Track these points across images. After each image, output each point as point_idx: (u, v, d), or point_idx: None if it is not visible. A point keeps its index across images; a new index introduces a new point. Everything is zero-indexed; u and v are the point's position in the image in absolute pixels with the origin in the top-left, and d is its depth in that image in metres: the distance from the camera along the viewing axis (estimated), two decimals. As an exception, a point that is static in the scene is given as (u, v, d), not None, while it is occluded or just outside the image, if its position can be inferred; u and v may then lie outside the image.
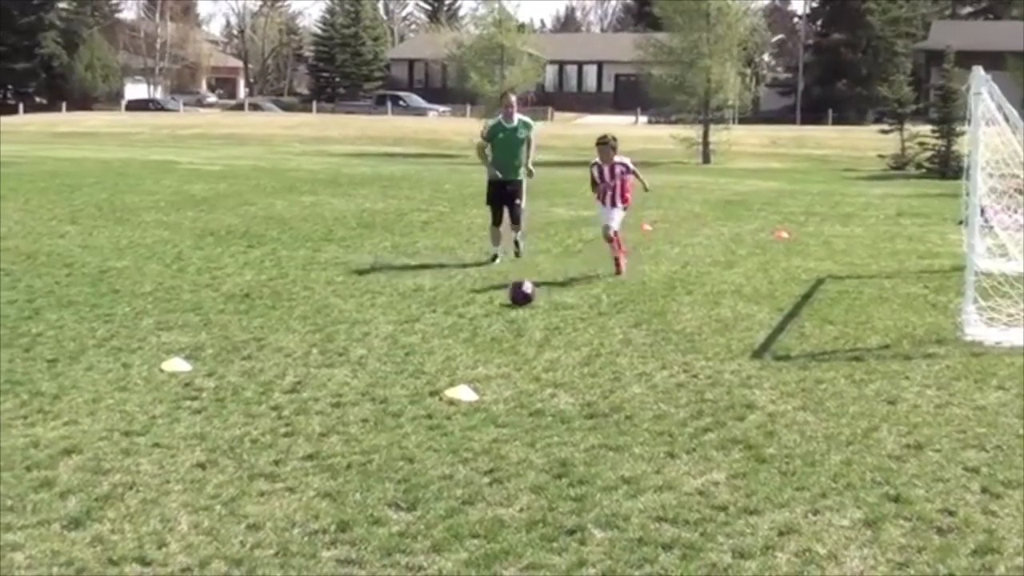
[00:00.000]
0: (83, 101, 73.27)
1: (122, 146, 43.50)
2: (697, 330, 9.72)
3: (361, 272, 12.48)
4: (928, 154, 35.19)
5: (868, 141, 40.94)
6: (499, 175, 13.51)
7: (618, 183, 12.62)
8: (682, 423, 6.98)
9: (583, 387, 7.82)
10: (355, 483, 5.82)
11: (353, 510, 5.45)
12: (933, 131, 35.31)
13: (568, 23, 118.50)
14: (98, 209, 18.47)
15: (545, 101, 64.31)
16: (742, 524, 5.35)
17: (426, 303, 10.75)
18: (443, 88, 72.87)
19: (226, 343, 8.94)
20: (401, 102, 71.64)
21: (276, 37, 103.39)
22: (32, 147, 39.46)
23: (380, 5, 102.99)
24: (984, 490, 5.84)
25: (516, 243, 13.56)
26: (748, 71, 48.18)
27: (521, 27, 49.65)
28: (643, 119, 62.36)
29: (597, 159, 12.73)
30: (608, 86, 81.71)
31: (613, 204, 12.63)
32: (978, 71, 9.94)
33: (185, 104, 76.75)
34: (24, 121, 59.47)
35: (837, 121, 59.96)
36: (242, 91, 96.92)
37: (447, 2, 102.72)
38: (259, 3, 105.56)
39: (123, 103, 75.13)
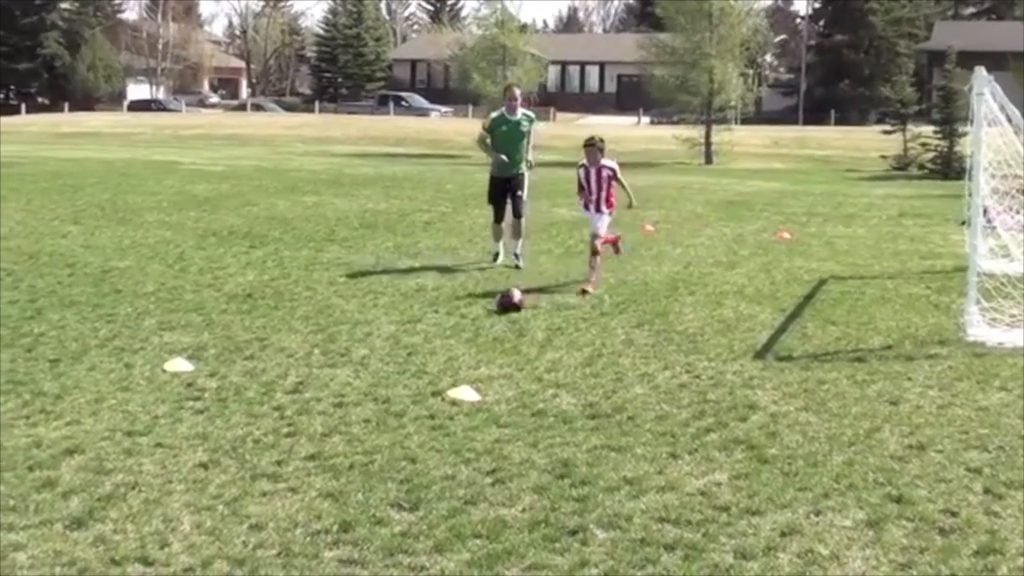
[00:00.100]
0: (85, 101, 73.35)
1: (124, 146, 43.52)
2: (699, 331, 9.72)
3: (363, 272, 12.49)
4: (930, 155, 35.17)
5: (870, 142, 40.94)
6: (504, 161, 13.11)
7: (604, 188, 11.94)
8: (684, 423, 6.98)
9: (585, 387, 7.82)
10: (357, 483, 5.82)
11: (355, 510, 5.46)
12: (935, 132, 35.29)
13: (570, 23, 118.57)
14: (100, 209, 18.48)
15: (547, 102, 64.34)
16: (744, 525, 5.35)
17: (428, 303, 10.75)
18: (445, 89, 72.95)
19: (228, 343, 8.95)
20: (403, 102, 71.72)
21: (278, 37, 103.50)
22: (34, 147, 39.50)
23: (382, 5, 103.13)
24: (986, 491, 5.84)
25: (515, 255, 13.09)
26: (750, 71, 48.20)
27: (523, 27, 49.66)
28: (645, 120, 62.41)
29: (584, 161, 12.17)
30: (610, 87, 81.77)
31: (599, 210, 11.97)
32: (980, 72, 9.94)
33: (187, 104, 76.80)
34: (26, 121, 59.53)
35: (839, 122, 60.01)
36: (244, 91, 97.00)
37: (449, 2, 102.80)
38: (261, 3, 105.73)
39: (125, 103, 75.22)
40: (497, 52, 44.36)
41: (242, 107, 78.81)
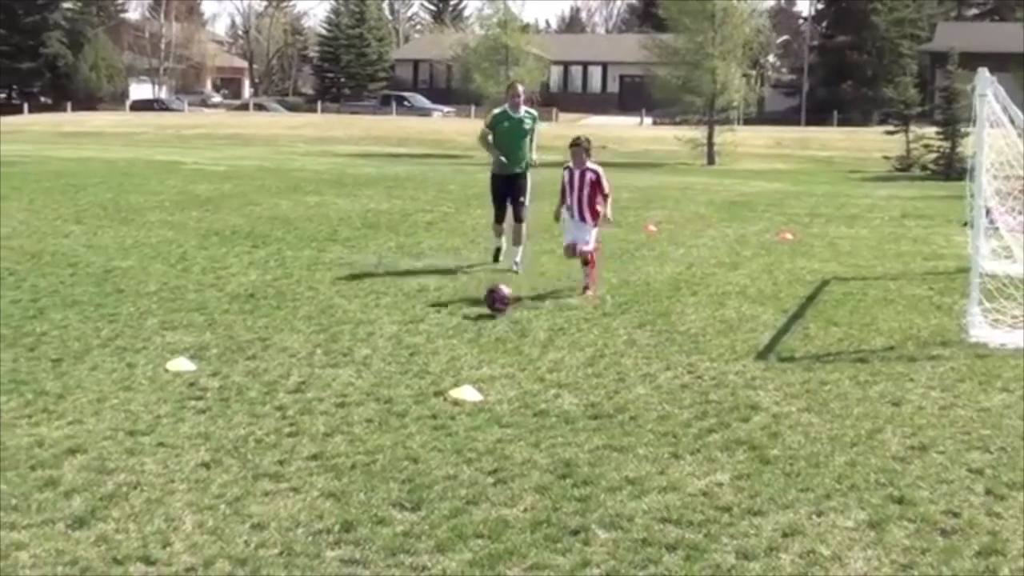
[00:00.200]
0: (88, 101, 73.37)
1: (127, 146, 43.55)
2: (701, 331, 9.72)
3: (365, 272, 12.49)
4: (933, 156, 35.17)
5: (873, 142, 40.94)
6: (503, 161, 13.00)
7: (586, 192, 11.39)
8: (686, 424, 6.98)
9: (587, 388, 7.82)
10: (359, 483, 5.83)
11: (357, 510, 5.46)
12: (937, 133, 35.30)
13: (573, 24, 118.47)
14: (103, 209, 18.50)
15: (550, 102, 64.29)
16: (746, 525, 5.35)
17: (430, 303, 10.75)
18: (448, 89, 73.03)
19: (231, 343, 8.95)
20: (406, 102, 71.72)
21: (281, 37, 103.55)
22: (37, 147, 39.52)
23: (385, 5, 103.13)
24: (988, 492, 5.84)
25: (515, 263, 12.80)
26: (753, 72, 48.20)
27: (525, 27, 49.67)
28: (648, 120, 62.39)
29: (569, 162, 11.68)
30: (613, 87, 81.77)
31: (582, 218, 11.44)
32: (983, 73, 9.93)
33: (190, 104, 76.82)
34: (29, 121, 59.58)
35: (842, 122, 59.96)
36: (247, 91, 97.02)
37: (452, 3, 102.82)
38: (264, 3, 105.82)
39: (128, 103, 75.25)
40: (499, 52, 44.39)
41: (245, 107, 78.79)
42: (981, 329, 9.55)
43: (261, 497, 5.62)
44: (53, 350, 8.58)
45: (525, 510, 5.50)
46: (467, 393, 7.51)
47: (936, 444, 6.62)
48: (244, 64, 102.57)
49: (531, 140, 13.22)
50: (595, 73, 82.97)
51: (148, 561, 4.86)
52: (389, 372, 8.15)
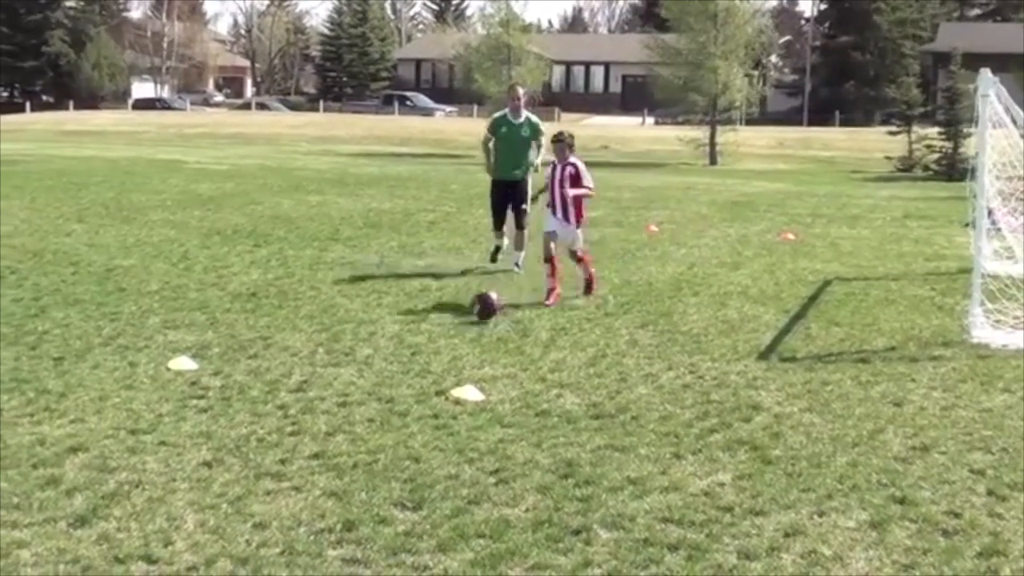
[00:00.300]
0: (90, 100, 73.42)
1: (129, 145, 43.55)
2: (703, 331, 9.72)
3: (367, 272, 12.49)
4: (935, 156, 35.15)
5: (875, 143, 40.90)
6: (500, 174, 12.94)
7: (567, 185, 11.21)
8: (688, 424, 6.98)
9: (589, 388, 7.82)
10: (361, 482, 5.83)
11: (359, 509, 5.46)
12: (940, 133, 35.27)
13: (575, 24, 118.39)
14: (105, 208, 18.50)
15: (552, 102, 64.29)
16: (748, 525, 5.35)
17: (432, 303, 10.75)
18: (450, 88, 73.00)
19: (232, 342, 8.96)
20: (408, 102, 71.69)
21: (283, 36, 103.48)
22: (39, 145, 39.54)
23: (387, 5, 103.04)
24: (990, 492, 5.84)
25: (516, 265, 12.78)
26: (755, 72, 48.18)
27: (528, 27, 49.63)
28: (650, 120, 62.38)
29: (553, 158, 11.56)
30: (615, 87, 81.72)
31: (566, 219, 11.30)
32: (985, 73, 9.93)
33: (192, 103, 76.80)
34: (31, 119, 59.60)
35: (844, 123, 59.93)
36: (249, 90, 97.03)
37: (454, 2, 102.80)
38: (266, 2, 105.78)
39: (130, 102, 75.28)
40: (502, 52, 44.34)
41: (247, 106, 78.79)
42: (983, 330, 9.55)
43: (263, 496, 5.62)
44: (55, 349, 8.58)
45: (527, 510, 5.50)
46: (469, 393, 7.51)
47: (938, 445, 6.62)
48: (246, 63, 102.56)
49: (536, 148, 13.00)
50: (597, 73, 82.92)
51: (150, 560, 4.87)
52: (391, 371, 8.15)
